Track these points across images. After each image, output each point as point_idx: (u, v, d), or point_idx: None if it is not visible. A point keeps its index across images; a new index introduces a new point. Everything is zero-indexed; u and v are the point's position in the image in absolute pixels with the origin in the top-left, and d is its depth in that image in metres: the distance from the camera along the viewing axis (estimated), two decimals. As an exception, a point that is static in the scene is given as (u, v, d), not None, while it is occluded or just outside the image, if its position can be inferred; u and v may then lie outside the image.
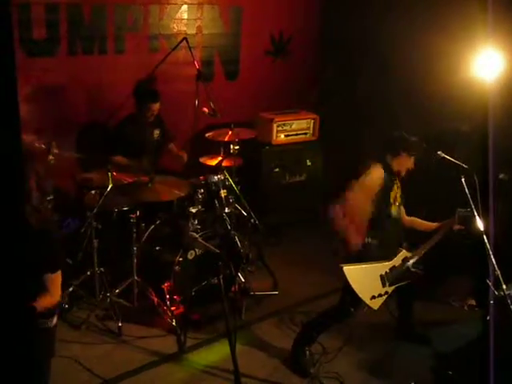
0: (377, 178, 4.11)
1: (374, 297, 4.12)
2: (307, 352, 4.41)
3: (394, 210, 4.28)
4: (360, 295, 4.04)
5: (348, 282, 4.00)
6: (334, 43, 7.19)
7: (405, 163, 4.22)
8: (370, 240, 4.15)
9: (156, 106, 5.47)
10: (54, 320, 3.21)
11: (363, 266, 4.09)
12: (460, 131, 5.47)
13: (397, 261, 4.25)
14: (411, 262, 4.30)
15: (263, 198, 6.50)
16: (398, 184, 4.30)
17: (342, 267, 4.00)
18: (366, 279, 4.10)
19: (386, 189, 4.16)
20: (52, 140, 4.89)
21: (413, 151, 4.18)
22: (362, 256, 4.12)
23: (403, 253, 4.30)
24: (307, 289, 5.49)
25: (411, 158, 4.20)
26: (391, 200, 4.23)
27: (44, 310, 3.05)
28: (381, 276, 4.17)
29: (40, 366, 3.13)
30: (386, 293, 4.21)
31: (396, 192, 4.28)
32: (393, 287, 4.22)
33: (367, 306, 4.10)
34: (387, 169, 4.19)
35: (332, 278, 5.14)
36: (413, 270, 4.29)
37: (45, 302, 3.06)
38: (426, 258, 4.39)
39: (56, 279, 3.12)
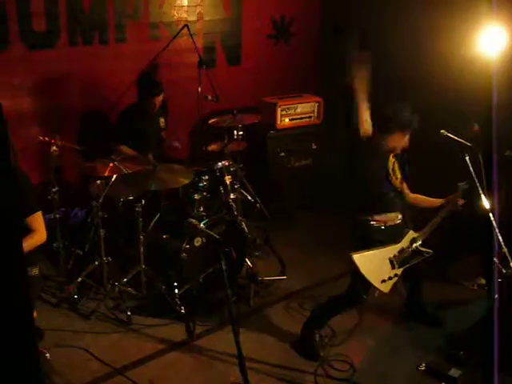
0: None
1: (384, 280, 4.07)
2: (317, 335, 4.40)
3: (396, 183, 4.23)
4: (370, 280, 4.00)
5: (358, 269, 3.96)
6: (337, 23, 7.12)
7: (399, 141, 4.13)
8: (376, 223, 4.13)
9: (159, 99, 5.49)
10: (35, 270, 3.26)
11: (371, 251, 4.04)
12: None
13: (405, 243, 4.19)
14: (419, 242, 4.23)
15: (269, 183, 6.48)
16: (393, 159, 4.23)
17: (350, 255, 3.96)
18: (375, 264, 4.05)
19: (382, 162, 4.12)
20: (55, 132, 4.92)
21: (407, 128, 4.09)
22: (368, 239, 4.10)
23: (410, 233, 4.23)
24: (315, 273, 5.48)
25: (405, 135, 4.12)
26: (390, 171, 4.17)
27: (33, 249, 3.24)
28: (389, 259, 4.12)
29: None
30: (396, 275, 4.15)
31: (393, 164, 4.22)
32: (402, 269, 4.17)
33: (378, 289, 4.06)
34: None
35: (340, 261, 5.15)
36: (421, 249, 4.23)
37: (35, 240, 3.29)
38: (434, 239, 4.34)
39: (39, 217, 3.33)
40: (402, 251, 4.16)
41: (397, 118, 4.09)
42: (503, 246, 3.43)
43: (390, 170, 4.18)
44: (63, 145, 4.84)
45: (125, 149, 5.39)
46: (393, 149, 4.17)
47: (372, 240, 4.11)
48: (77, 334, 4.50)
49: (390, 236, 4.16)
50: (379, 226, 4.12)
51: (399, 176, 4.26)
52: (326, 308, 4.46)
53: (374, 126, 4.13)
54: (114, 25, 5.82)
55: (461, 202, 4.21)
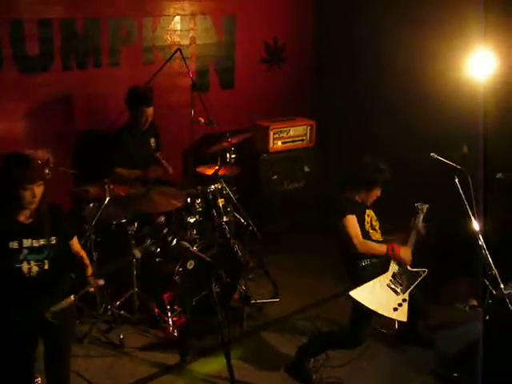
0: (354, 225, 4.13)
1: (395, 309, 4.02)
2: (312, 360, 4.40)
3: (376, 236, 4.29)
4: (382, 312, 3.95)
5: (364, 306, 3.92)
6: (329, 48, 7.21)
7: (376, 193, 4.28)
8: (365, 262, 4.15)
9: (150, 111, 5.43)
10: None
11: (367, 284, 4.03)
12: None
13: (393, 267, 4.19)
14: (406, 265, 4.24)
15: (262, 206, 6.50)
16: (370, 212, 4.31)
17: (349, 295, 3.95)
18: (377, 295, 4.02)
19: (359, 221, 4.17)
20: (48, 155, 4.93)
21: (372, 186, 4.23)
22: (362, 277, 4.09)
23: None
24: (308, 296, 5.48)
25: (373, 191, 4.26)
26: (368, 229, 4.24)
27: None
28: (389, 286, 4.10)
29: None
30: (405, 300, 4.09)
31: (370, 218, 4.30)
32: (407, 293, 4.13)
33: (395, 320, 4.05)
34: (355, 204, 4.23)
35: (333, 283, 5.17)
36: (413, 270, 4.22)
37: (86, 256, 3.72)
38: (428, 262, 4.35)
39: (76, 239, 3.68)
40: (395, 276, 4.15)
41: (378, 174, 4.22)
42: (493, 268, 3.45)
43: (368, 229, 4.25)
44: (56, 168, 4.85)
45: (120, 171, 5.38)
46: (364, 202, 4.28)
47: (363, 276, 4.11)
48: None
49: (380, 266, 4.18)
50: (368, 264, 4.16)
51: (377, 224, 4.34)
52: (324, 340, 4.46)
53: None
54: (107, 49, 5.86)
55: (421, 226, 4.28)
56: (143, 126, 5.50)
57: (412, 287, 4.16)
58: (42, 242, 3.34)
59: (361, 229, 4.14)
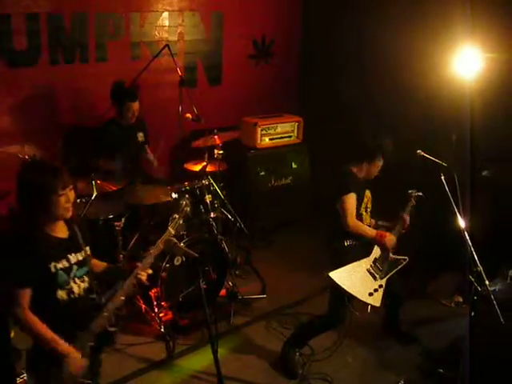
0: (353, 203, 4.17)
1: (371, 293, 4.08)
2: (297, 354, 4.42)
3: (367, 220, 4.35)
4: (357, 295, 4.01)
5: (340, 287, 3.97)
6: (316, 45, 7.23)
7: (378, 165, 4.31)
8: (350, 242, 4.19)
9: (135, 106, 5.40)
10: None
11: (347, 267, 4.08)
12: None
13: (376, 252, 4.24)
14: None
15: (249, 202, 6.51)
16: (368, 193, 4.36)
17: (327, 275, 3.98)
18: (355, 278, 4.06)
19: (358, 200, 4.21)
20: (35, 150, 4.90)
21: (387, 154, 4.25)
22: (344, 259, 4.13)
23: None
24: (295, 291, 5.50)
25: (374, 164, 4.29)
26: (362, 211, 4.29)
27: None
28: (368, 271, 4.16)
29: None
30: (381, 286, 4.17)
31: (367, 200, 4.35)
32: (385, 279, 4.20)
33: (369, 304, 4.05)
34: (358, 182, 4.26)
35: (319, 279, 5.17)
36: (394, 257, 4.27)
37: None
38: (411, 257, 4.39)
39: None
40: (375, 261, 4.21)
41: (380, 146, 4.24)
42: (478, 265, 3.48)
43: (363, 210, 4.30)
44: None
45: (104, 164, 5.35)
46: (365, 177, 4.31)
47: (346, 258, 4.15)
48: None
49: (363, 250, 4.23)
50: (352, 245, 4.21)
51: (370, 207, 4.39)
52: (306, 328, 4.50)
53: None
54: (94, 44, 5.84)
55: (407, 218, 4.36)
56: (129, 121, 5.47)
57: (391, 274, 4.23)
58: (83, 254, 3.08)
59: (356, 209, 4.19)
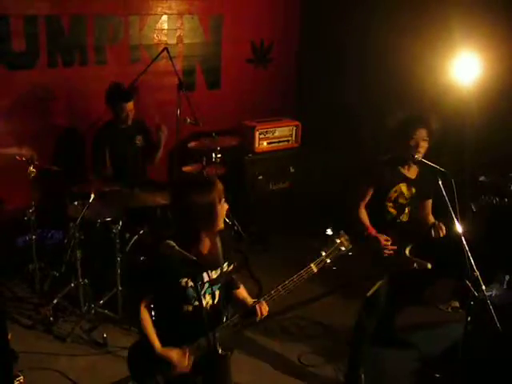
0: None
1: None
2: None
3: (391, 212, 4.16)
4: None
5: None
6: (315, 49, 7.25)
7: (421, 137, 3.90)
8: None
9: (129, 106, 5.36)
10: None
11: None
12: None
13: None
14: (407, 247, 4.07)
15: (247, 206, 6.51)
16: (402, 187, 4.07)
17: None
18: None
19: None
20: (33, 152, 4.91)
21: (421, 118, 3.96)
22: None
23: None
24: (293, 295, 5.46)
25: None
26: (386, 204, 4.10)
27: None
28: None
29: None
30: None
31: (397, 195, 4.10)
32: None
33: None
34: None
35: (317, 284, 5.19)
36: (409, 256, 4.06)
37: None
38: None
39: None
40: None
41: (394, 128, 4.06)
42: (475, 270, 3.48)
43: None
44: (40, 165, 4.83)
45: (101, 168, 5.35)
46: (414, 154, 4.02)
47: None
48: (52, 357, 4.47)
49: None
50: None
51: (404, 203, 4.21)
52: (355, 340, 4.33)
53: None
54: (93, 47, 5.85)
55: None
56: (124, 122, 5.44)
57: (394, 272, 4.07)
58: (218, 271, 3.02)
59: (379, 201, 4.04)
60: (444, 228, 3.92)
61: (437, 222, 3.97)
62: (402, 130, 3.94)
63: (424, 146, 3.90)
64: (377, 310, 4.14)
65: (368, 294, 4.02)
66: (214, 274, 2.99)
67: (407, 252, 4.03)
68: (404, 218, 4.16)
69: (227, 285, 3.16)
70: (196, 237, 2.92)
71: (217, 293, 3.04)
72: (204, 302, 2.93)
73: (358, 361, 4.29)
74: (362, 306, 4.19)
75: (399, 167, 4.05)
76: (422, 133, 3.90)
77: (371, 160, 4.19)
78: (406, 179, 4.05)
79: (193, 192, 2.83)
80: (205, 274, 2.93)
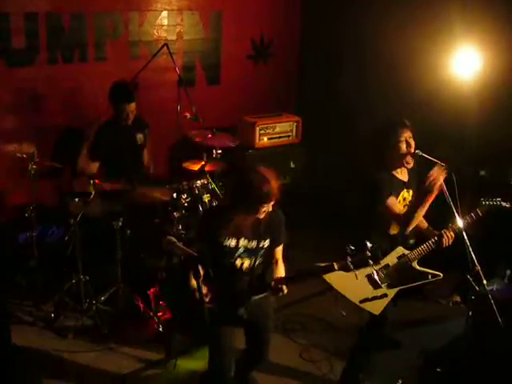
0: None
1: (366, 299, 3.81)
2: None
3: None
4: (348, 297, 3.81)
5: (332, 286, 3.79)
6: (315, 45, 7.24)
7: (405, 137, 3.85)
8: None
9: (131, 107, 5.30)
10: None
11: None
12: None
13: (391, 259, 3.85)
14: (415, 261, 3.88)
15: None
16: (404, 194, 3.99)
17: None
18: (351, 280, 3.60)
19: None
20: (33, 149, 4.91)
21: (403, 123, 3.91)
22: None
23: (399, 249, 3.88)
24: (295, 291, 5.42)
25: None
26: None
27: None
28: (368, 276, 3.80)
29: None
30: (385, 295, 3.82)
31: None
32: (395, 290, 3.84)
33: (362, 308, 3.82)
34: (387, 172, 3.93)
35: (317, 281, 5.17)
36: (422, 270, 3.88)
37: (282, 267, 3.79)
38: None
39: (280, 249, 3.80)
40: (386, 267, 3.84)
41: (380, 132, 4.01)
42: (476, 264, 3.49)
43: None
44: (41, 162, 4.83)
45: (89, 165, 5.32)
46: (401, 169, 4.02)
47: None
48: (54, 353, 4.48)
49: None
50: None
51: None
52: (359, 348, 4.21)
53: None
54: (93, 43, 5.85)
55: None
56: (124, 122, 5.42)
57: (405, 286, 3.88)
58: (254, 244, 3.48)
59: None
60: (453, 234, 3.82)
61: (446, 232, 3.83)
62: (388, 135, 3.87)
63: (413, 144, 3.84)
64: (383, 322, 3.99)
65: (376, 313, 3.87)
66: (249, 245, 3.45)
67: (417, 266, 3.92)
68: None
69: (266, 259, 3.60)
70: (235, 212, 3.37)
71: (253, 260, 3.49)
72: (239, 262, 3.44)
73: (359, 367, 4.20)
74: (368, 322, 4.03)
75: (394, 173, 3.95)
76: (408, 133, 3.86)
77: (368, 174, 4.00)
78: (404, 184, 3.97)
79: (256, 178, 3.33)
80: (241, 240, 3.41)
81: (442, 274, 3.90)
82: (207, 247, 3.39)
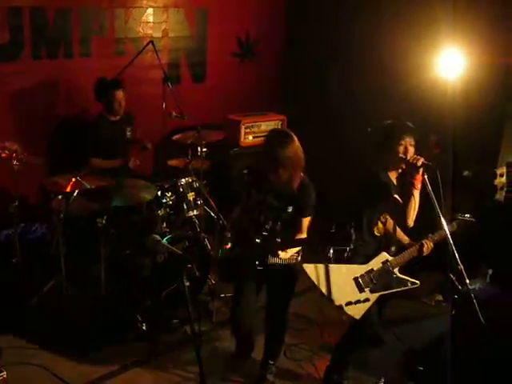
0: None
1: (350, 302, 3.74)
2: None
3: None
4: (332, 298, 3.72)
5: (312, 281, 3.73)
6: (301, 44, 7.25)
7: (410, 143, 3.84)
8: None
9: (120, 94, 5.38)
10: None
11: (331, 265, 3.76)
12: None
13: (375, 263, 3.84)
14: (396, 268, 3.88)
15: (232, 200, 6.49)
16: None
17: (300, 264, 3.76)
18: (337, 280, 3.73)
19: None
20: (16, 146, 4.86)
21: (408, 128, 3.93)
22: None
23: (383, 255, 3.88)
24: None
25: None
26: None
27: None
28: (355, 279, 3.79)
29: None
30: (367, 300, 3.79)
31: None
32: (376, 294, 3.82)
33: (344, 312, 3.75)
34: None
35: (303, 278, 5.18)
36: (402, 277, 3.89)
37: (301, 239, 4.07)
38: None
39: (307, 221, 4.07)
40: (370, 272, 3.82)
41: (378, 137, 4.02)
42: (459, 263, 3.51)
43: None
44: (25, 158, 4.79)
45: (95, 161, 5.35)
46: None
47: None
48: (36, 352, 4.43)
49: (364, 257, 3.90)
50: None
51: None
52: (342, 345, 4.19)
53: None
54: (78, 39, 5.82)
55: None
56: (118, 112, 5.43)
57: (387, 292, 3.87)
58: (280, 204, 3.83)
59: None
60: (432, 245, 3.93)
61: (427, 242, 3.92)
62: (390, 136, 3.86)
63: (411, 151, 3.80)
64: (367, 324, 3.92)
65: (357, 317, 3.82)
66: (276, 203, 3.85)
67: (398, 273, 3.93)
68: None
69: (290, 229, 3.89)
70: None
71: (275, 221, 3.85)
72: (262, 218, 3.84)
73: (343, 365, 4.20)
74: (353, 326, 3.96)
75: (389, 174, 3.92)
76: (410, 139, 3.84)
77: (371, 173, 3.95)
78: (395, 187, 3.92)
79: (277, 144, 3.77)
80: (268, 197, 3.84)
81: (419, 283, 3.96)
82: (244, 194, 3.96)
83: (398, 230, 4.01)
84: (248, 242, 3.85)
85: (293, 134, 3.85)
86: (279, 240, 3.81)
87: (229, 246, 3.99)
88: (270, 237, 3.83)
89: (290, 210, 3.84)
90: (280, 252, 3.71)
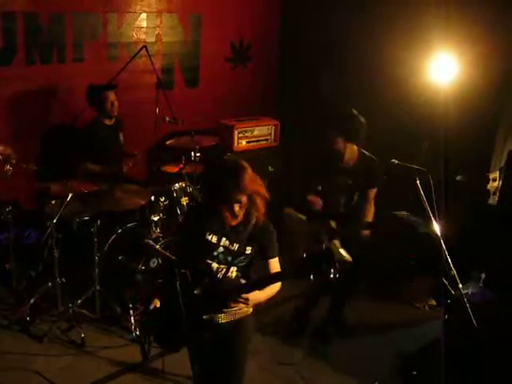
0: None
1: None
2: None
3: None
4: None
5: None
6: (294, 49, 7.27)
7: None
8: None
9: (113, 95, 5.40)
10: None
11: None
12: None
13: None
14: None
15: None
16: None
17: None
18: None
19: None
20: (10, 150, 4.85)
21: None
22: None
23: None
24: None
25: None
26: None
27: None
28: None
29: None
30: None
31: None
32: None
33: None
34: None
35: (291, 284, 5.18)
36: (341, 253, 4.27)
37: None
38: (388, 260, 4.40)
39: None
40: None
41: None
42: (452, 269, 3.53)
43: None
44: (18, 164, 4.78)
45: (90, 166, 5.34)
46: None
47: None
48: (29, 357, 4.43)
49: None
50: None
51: None
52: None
53: None
54: (72, 44, 5.80)
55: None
56: (111, 112, 5.43)
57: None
58: (235, 248, 3.19)
59: None
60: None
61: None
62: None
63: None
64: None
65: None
66: (231, 246, 3.18)
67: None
68: None
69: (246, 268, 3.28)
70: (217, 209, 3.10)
71: (232, 268, 3.17)
72: (215, 266, 3.14)
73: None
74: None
75: None
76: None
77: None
78: None
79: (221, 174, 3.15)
80: (223, 239, 3.17)
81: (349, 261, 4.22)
82: (188, 240, 3.24)
83: None
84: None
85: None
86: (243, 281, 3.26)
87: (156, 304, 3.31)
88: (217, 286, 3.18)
89: (248, 252, 3.23)
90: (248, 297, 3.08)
